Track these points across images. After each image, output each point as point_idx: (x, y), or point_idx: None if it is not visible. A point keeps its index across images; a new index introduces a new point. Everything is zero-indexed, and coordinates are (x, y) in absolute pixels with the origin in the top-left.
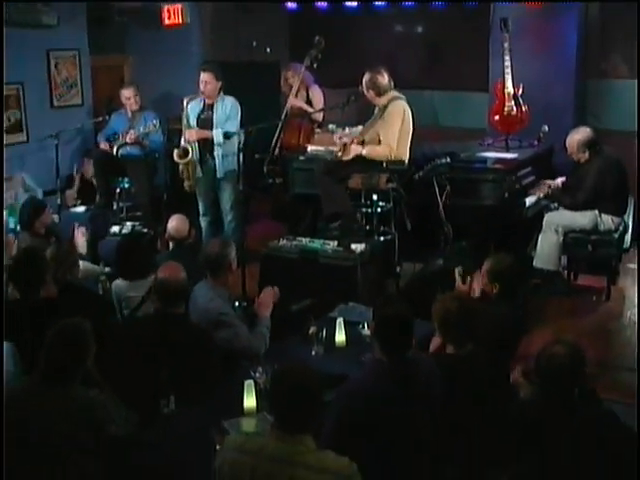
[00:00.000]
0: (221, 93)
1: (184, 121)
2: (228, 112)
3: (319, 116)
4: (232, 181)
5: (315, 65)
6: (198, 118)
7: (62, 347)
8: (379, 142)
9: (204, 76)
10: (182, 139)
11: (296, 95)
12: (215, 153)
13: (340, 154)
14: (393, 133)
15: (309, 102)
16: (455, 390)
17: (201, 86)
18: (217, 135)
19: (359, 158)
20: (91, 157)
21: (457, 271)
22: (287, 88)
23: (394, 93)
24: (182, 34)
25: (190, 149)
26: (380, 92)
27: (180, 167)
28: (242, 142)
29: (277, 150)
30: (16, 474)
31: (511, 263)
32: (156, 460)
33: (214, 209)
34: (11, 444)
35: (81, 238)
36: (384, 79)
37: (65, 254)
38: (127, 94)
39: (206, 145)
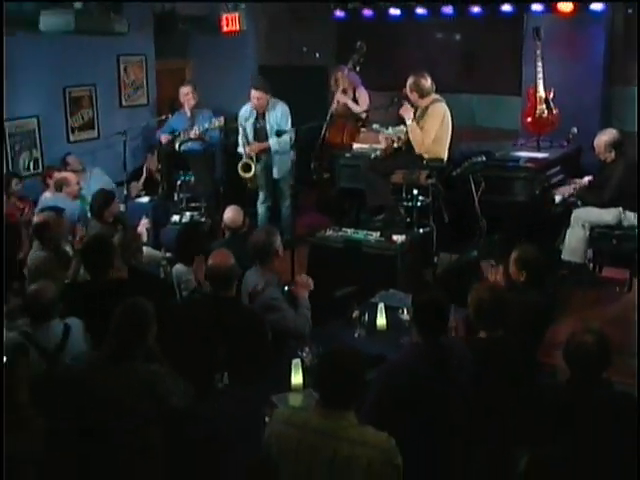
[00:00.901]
0: (271, 100)
1: (242, 138)
2: (279, 120)
3: (363, 114)
4: (287, 175)
5: (357, 68)
6: (254, 129)
7: (127, 326)
8: None
9: (255, 93)
10: (243, 153)
11: (344, 94)
12: (272, 155)
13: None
14: (428, 132)
15: (355, 101)
16: (486, 372)
17: (253, 101)
18: (273, 144)
19: (401, 155)
20: (153, 152)
21: (485, 264)
22: (336, 88)
23: (435, 96)
24: (239, 40)
25: (252, 163)
26: (423, 94)
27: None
28: (293, 140)
29: (322, 148)
30: (84, 444)
31: (537, 252)
32: (210, 430)
33: (272, 197)
34: (80, 415)
35: (144, 228)
36: (427, 82)
37: (130, 240)
38: (185, 91)
39: (260, 138)
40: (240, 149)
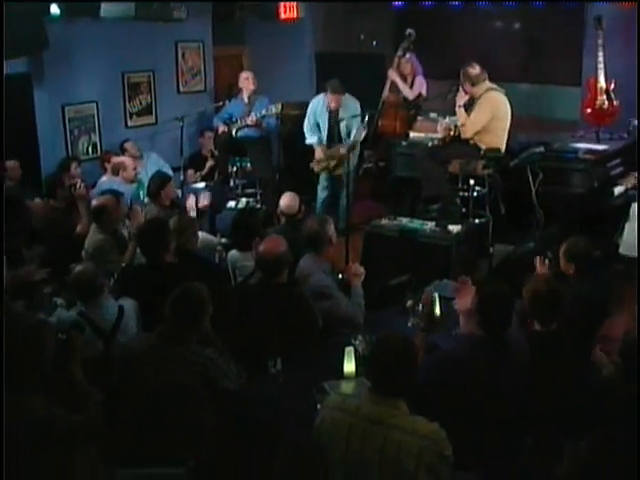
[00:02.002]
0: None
1: (310, 128)
2: (352, 120)
3: (410, 92)
4: (354, 165)
5: (407, 55)
6: (329, 125)
7: (183, 310)
8: None
9: (333, 97)
10: (314, 143)
11: (404, 81)
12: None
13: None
14: (474, 121)
15: (412, 88)
16: (540, 366)
17: (331, 103)
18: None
19: (459, 145)
20: (209, 138)
21: (538, 257)
22: (398, 72)
23: (489, 85)
24: (296, 27)
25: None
26: (473, 83)
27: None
28: (365, 132)
29: (375, 136)
30: (136, 422)
31: (587, 245)
32: (262, 414)
33: (333, 184)
34: (132, 394)
35: (193, 204)
36: (475, 70)
37: (186, 225)
38: (245, 75)
39: (334, 136)
40: (309, 140)
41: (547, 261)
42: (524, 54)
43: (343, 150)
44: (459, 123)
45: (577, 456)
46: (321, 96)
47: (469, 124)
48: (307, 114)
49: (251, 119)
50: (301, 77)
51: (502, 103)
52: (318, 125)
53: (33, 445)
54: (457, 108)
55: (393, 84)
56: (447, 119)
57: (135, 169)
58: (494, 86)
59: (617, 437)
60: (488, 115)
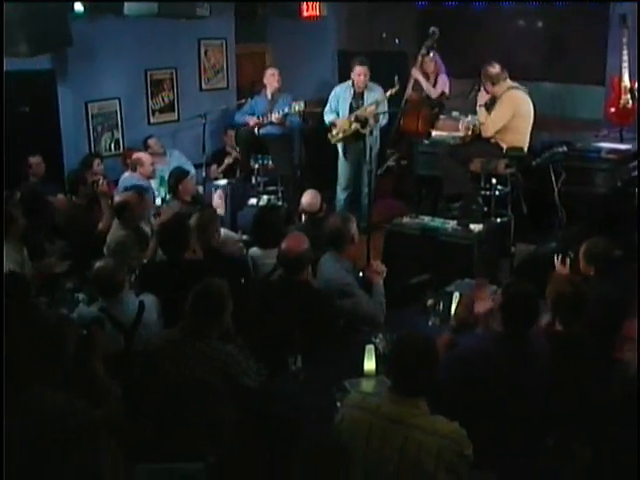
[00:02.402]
0: (368, 82)
1: (329, 114)
2: (377, 100)
3: (434, 91)
4: (375, 160)
5: (431, 54)
6: (350, 108)
7: (203, 306)
8: None
9: (361, 69)
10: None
11: (427, 79)
12: (367, 138)
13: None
14: (494, 119)
15: (434, 86)
16: (562, 366)
17: (358, 77)
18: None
19: (480, 143)
20: (226, 134)
21: (558, 257)
22: (422, 71)
23: (510, 83)
24: (319, 25)
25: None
26: (493, 82)
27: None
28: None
29: (397, 134)
30: (157, 417)
31: (606, 245)
32: (283, 411)
33: (353, 183)
34: (153, 389)
35: (218, 200)
36: (495, 69)
37: (208, 222)
38: (271, 72)
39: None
40: (328, 119)
41: (567, 261)
42: (547, 53)
43: (368, 109)
44: (480, 122)
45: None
46: (347, 83)
47: (490, 122)
48: (329, 99)
49: (275, 116)
50: (323, 75)
51: (524, 101)
52: (338, 113)
53: (55, 439)
54: (478, 107)
55: (416, 82)
56: (469, 117)
57: (153, 164)
58: (516, 84)
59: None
60: (509, 113)
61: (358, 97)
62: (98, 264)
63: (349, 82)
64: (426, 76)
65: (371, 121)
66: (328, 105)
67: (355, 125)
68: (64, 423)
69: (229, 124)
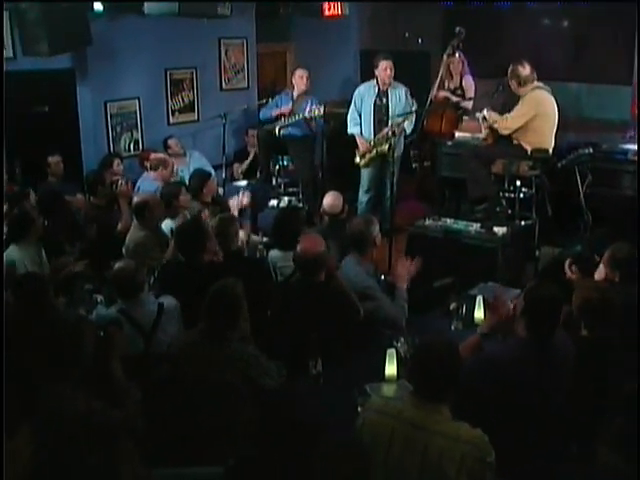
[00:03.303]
0: (392, 81)
1: (353, 117)
2: (403, 100)
3: (469, 104)
4: (398, 161)
5: (457, 54)
6: (374, 107)
7: (217, 308)
8: None
9: (386, 63)
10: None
11: (450, 80)
12: (392, 140)
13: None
14: (516, 115)
15: (461, 88)
16: (587, 372)
17: (384, 72)
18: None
19: (505, 145)
20: (247, 135)
21: (567, 262)
22: (446, 72)
23: (536, 84)
24: (341, 24)
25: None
26: (521, 82)
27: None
28: (413, 124)
29: (421, 135)
30: (177, 420)
31: (631, 250)
32: (303, 414)
33: (375, 185)
34: (173, 391)
35: (236, 201)
36: (525, 70)
37: (227, 225)
38: (300, 73)
39: (381, 121)
40: (351, 129)
41: (574, 268)
42: (573, 52)
43: (390, 128)
44: (492, 121)
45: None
46: (371, 82)
47: (509, 120)
48: (353, 98)
49: (298, 116)
50: (346, 75)
51: (547, 102)
52: (360, 116)
53: (73, 439)
54: (486, 111)
55: (441, 81)
56: (484, 110)
57: (173, 166)
58: (540, 84)
59: None
60: (531, 112)
61: (382, 95)
62: (117, 265)
63: (373, 81)
64: (451, 77)
65: (395, 138)
66: (352, 105)
67: (380, 149)
68: (82, 423)
69: (250, 124)
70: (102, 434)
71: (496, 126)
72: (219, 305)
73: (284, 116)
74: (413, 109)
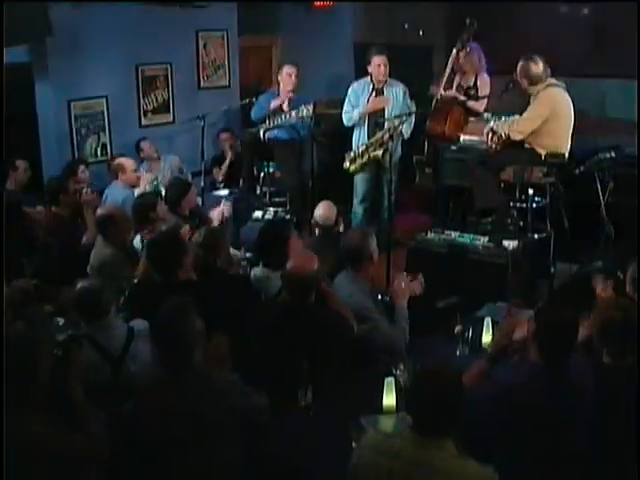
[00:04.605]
0: (388, 77)
1: (350, 118)
2: (401, 98)
3: (479, 105)
4: (396, 168)
5: (467, 49)
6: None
7: (169, 331)
8: None
9: (380, 59)
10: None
11: (463, 77)
12: (388, 143)
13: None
14: (530, 116)
15: (475, 87)
16: (609, 403)
17: (378, 69)
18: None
19: (514, 149)
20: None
21: (598, 277)
22: (458, 68)
23: (550, 81)
24: (333, 15)
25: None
26: (533, 81)
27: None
28: (413, 125)
29: (424, 139)
30: (158, 457)
31: None
32: (291, 451)
33: (372, 196)
34: (144, 425)
35: (222, 214)
36: (538, 68)
37: (214, 239)
38: (289, 70)
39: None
40: (348, 122)
41: (610, 282)
42: (592, 44)
43: (386, 132)
44: (502, 129)
45: None
46: (364, 79)
47: (521, 123)
48: (347, 96)
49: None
50: (338, 71)
51: (563, 100)
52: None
53: (35, 465)
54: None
55: (448, 79)
56: (503, 119)
57: (136, 171)
58: (553, 81)
59: None
60: (546, 112)
61: (378, 94)
62: (81, 284)
63: (367, 78)
64: (463, 73)
65: (392, 143)
66: (347, 103)
67: (374, 154)
68: (43, 448)
69: (225, 127)
70: (61, 461)
71: (506, 133)
72: (168, 330)
73: (269, 117)
74: (412, 110)
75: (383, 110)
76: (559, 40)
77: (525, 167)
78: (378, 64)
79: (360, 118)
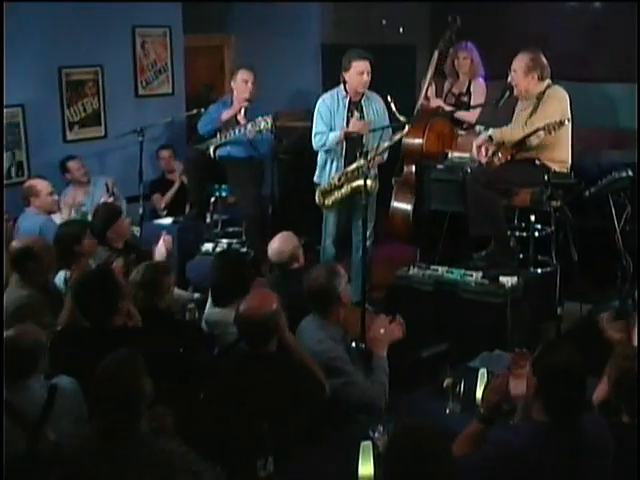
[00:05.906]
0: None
1: (322, 140)
2: (381, 113)
3: (471, 116)
4: (374, 201)
5: (451, 50)
6: (347, 123)
7: (107, 387)
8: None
9: (363, 65)
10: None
11: (455, 82)
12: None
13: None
14: (545, 117)
15: (468, 94)
16: (630, 469)
17: (354, 79)
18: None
19: (519, 165)
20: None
21: (608, 317)
22: (452, 71)
23: (548, 81)
24: (298, 11)
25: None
26: (543, 75)
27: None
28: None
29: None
30: None
31: None
32: None
33: (345, 226)
34: None
35: (163, 248)
36: (545, 60)
37: (156, 277)
38: (245, 76)
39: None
40: (322, 158)
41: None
42: (595, 43)
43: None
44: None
45: None
46: (336, 90)
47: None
48: (316, 115)
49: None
50: (303, 77)
51: (567, 103)
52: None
53: None
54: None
55: (431, 87)
56: (489, 131)
57: (52, 194)
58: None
59: None
60: (567, 113)
61: (355, 109)
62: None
63: (339, 88)
64: (456, 77)
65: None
66: (318, 122)
67: (355, 184)
68: None
69: (165, 143)
70: None
71: (511, 139)
72: (107, 386)
73: (221, 131)
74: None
75: (363, 117)
76: (556, 39)
77: (544, 189)
78: (360, 71)
79: (337, 143)
